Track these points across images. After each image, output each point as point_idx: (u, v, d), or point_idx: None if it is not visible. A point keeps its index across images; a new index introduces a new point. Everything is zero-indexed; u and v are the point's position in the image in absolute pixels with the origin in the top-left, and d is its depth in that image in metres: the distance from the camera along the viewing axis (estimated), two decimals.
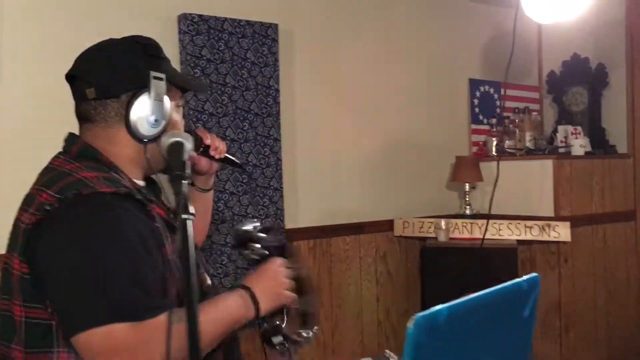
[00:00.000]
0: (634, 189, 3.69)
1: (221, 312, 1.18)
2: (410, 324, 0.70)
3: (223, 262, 2.72)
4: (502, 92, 3.84)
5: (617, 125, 3.72)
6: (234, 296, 1.23)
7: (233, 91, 2.76)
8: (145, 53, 1.24)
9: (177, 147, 1.05)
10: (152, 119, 1.18)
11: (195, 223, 1.62)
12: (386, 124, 3.41)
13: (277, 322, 1.30)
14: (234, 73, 2.76)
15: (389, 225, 3.39)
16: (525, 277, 0.96)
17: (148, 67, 1.19)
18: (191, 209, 0.96)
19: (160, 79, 1.18)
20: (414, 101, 3.51)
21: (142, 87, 1.18)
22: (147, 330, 1.04)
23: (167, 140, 1.09)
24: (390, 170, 3.42)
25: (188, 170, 1.00)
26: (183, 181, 0.97)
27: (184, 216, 0.93)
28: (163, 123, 1.20)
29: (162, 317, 1.03)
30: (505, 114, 3.81)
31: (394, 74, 3.43)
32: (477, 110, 3.77)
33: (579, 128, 3.59)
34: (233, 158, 1.50)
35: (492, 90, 3.84)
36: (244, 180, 2.80)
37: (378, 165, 3.38)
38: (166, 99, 1.20)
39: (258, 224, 1.42)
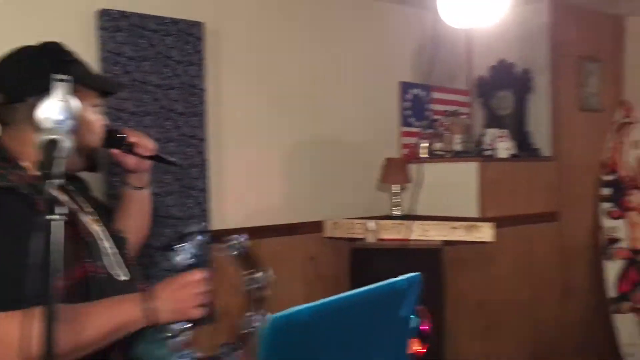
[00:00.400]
0: (557, 191, 3.80)
1: (108, 314, 1.20)
2: (264, 325, 0.69)
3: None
4: (433, 96, 3.91)
5: (541, 128, 3.83)
6: (131, 301, 1.25)
7: (156, 90, 2.71)
8: (52, 57, 1.32)
9: (50, 145, 1.02)
10: (57, 120, 1.17)
11: (131, 221, 1.60)
12: (316, 125, 3.41)
13: (179, 332, 1.26)
14: (157, 71, 2.70)
15: (318, 226, 3.39)
16: (405, 276, 0.97)
17: (53, 70, 1.21)
18: (61, 210, 0.93)
19: (64, 80, 1.17)
20: (345, 103, 3.53)
21: (47, 90, 1.19)
22: (4, 322, 1.07)
23: (41, 138, 1.06)
24: (320, 172, 3.43)
25: (58, 169, 0.98)
26: (50, 180, 0.94)
27: (48, 217, 0.91)
28: (69, 123, 1.19)
29: (21, 312, 1.03)
30: (435, 117, 3.88)
31: (325, 75, 3.44)
32: (407, 113, 3.82)
33: (506, 131, 3.68)
34: (164, 156, 1.56)
35: (422, 94, 3.90)
36: (167, 181, 2.75)
37: (308, 166, 3.38)
38: (74, 99, 1.19)
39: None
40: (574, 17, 3.95)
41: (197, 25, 2.83)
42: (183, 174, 2.78)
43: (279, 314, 0.71)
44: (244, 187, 3.13)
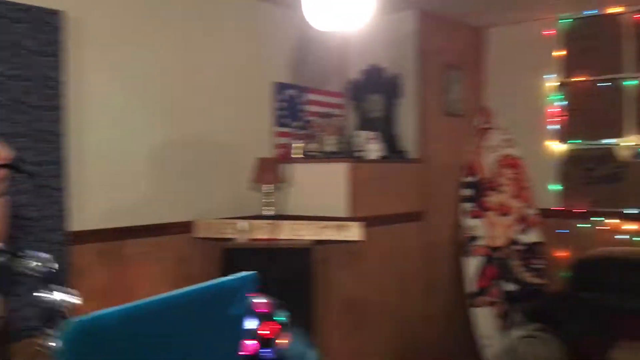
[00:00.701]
0: (423, 191, 3.98)
1: None
2: (63, 330, 0.65)
3: None
4: (308, 97, 3.96)
5: (409, 132, 4.00)
6: None
7: (7, 81, 2.52)
8: None
9: None
10: None
11: None
12: (187, 124, 3.33)
13: None
14: (6, 61, 2.51)
15: (189, 226, 3.31)
16: (238, 275, 0.95)
17: None
18: None
19: None
20: (217, 101, 3.47)
21: None
22: None
23: None
24: (191, 171, 3.35)
25: None
26: None
27: None
28: None
29: None
30: (309, 118, 3.92)
31: (196, 73, 3.36)
32: (282, 113, 3.83)
33: (376, 134, 3.80)
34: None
35: (297, 95, 3.93)
36: (19, 179, 2.56)
37: (179, 165, 3.30)
38: None
39: None
40: (440, 26, 4.16)
41: (54, 13, 2.66)
42: (37, 172, 2.60)
43: (82, 317, 0.67)
44: (109, 186, 2.98)
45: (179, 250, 3.29)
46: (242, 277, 0.95)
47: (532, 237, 4.19)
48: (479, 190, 4.24)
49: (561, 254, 4.16)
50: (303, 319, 3.34)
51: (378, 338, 3.68)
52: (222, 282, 0.92)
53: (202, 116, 3.40)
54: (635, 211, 3.89)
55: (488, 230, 4.18)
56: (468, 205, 4.23)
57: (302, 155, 3.70)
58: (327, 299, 3.39)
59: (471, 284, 4.13)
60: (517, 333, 3.49)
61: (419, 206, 3.97)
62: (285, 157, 3.72)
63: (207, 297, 0.90)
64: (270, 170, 3.50)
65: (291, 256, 3.25)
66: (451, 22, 4.24)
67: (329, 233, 3.35)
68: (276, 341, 1.16)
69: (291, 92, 3.90)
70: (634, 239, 3.89)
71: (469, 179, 4.26)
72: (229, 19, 3.54)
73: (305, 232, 3.35)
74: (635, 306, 3.51)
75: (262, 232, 3.32)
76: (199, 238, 3.35)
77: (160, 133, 3.21)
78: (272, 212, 3.50)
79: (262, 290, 1.04)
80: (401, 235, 3.84)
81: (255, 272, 1.02)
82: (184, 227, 3.29)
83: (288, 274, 3.17)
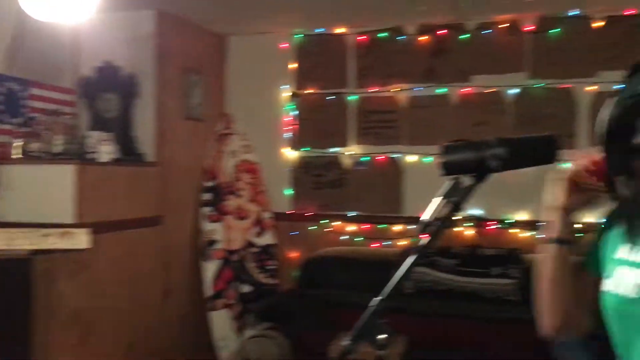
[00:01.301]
0: (160, 196, 3.90)
1: None
2: None
3: None
4: (31, 92, 3.60)
5: (147, 134, 3.88)
6: None
7: None
8: None
9: None
10: None
11: None
12: None
13: None
14: None
15: None
16: None
17: None
18: None
19: None
20: None
21: None
22: None
23: None
24: None
25: None
26: None
27: None
28: None
29: None
30: (33, 115, 3.57)
31: None
32: None
33: (110, 135, 3.61)
34: None
35: (18, 88, 3.55)
36: None
37: None
38: None
39: None
40: (181, 30, 4.13)
41: None
42: None
43: None
44: None
45: None
46: None
47: (267, 239, 4.38)
48: (219, 194, 4.30)
49: (293, 254, 4.43)
50: (20, 337, 3.03)
51: (109, 348, 3.49)
52: None
53: None
54: (354, 214, 4.30)
55: (226, 233, 4.26)
56: (207, 210, 4.26)
57: (22, 156, 3.35)
58: (50, 313, 3.12)
59: (209, 287, 4.16)
60: (248, 333, 3.61)
61: (156, 211, 3.87)
62: (4, 157, 3.34)
63: None
64: None
65: (6, 269, 2.92)
66: (192, 26, 4.23)
67: (52, 241, 3.09)
68: None
69: (11, 84, 3.51)
70: (355, 239, 4.30)
71: (209, 183, 4.29)
72: None
73: (23, 241, 3.04)
74: (356, 301, 3.87)
75: None
76: None
77: None
78: None
79: None
80: (136, 241, 3.70)
81: None
82: None
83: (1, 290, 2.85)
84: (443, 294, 3.68)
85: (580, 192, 1.25)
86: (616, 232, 1.25)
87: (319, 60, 4.38)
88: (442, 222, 1.13)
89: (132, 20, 3.84)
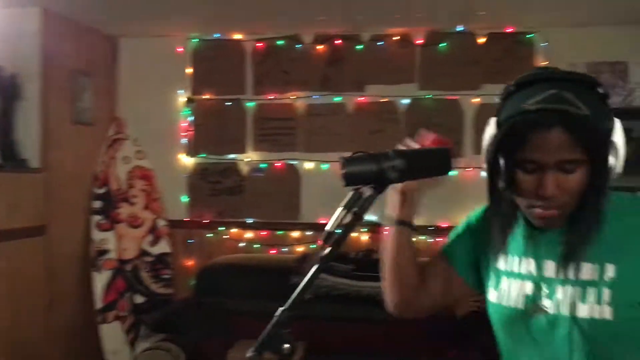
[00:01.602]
0: (45, 204, 3.68)
1: None
2: None
3: None
4: None
5: (30, 138, 3.66)
6: None
7: None
8: None
9: None
10: None
11: None
12: None
13: None
14: None
15: None
16: None
17: None
18: None
19: None
20: None
21: None
22: None
23: None
24: None
25: None
26: None
27: None
28: None
29: None
30: None
31: None
32: None
33: None
34: None
35: None
36: None
37: None
38: None
39: None
40: (68, 30, 3.94)
41: None
42: None
43: None
44: None
45: None
46: None
47: (162, 247, 4.26)
48: (110, 202, 4.13)
49: (189, 263, 4.34)
50: None
51: None
52: None
53: None
54: (252, 220, 4.29)
55: (118, 242, 4.10)
56: (98, 218, 4.07)
57: None
58: None
59: (99, 299, 3.98)
60: (142, 346, 3.49)
61: (40, 220, 3.65)
62: None
63: None
64: None
65: None
66: (81, 27, 4.04)
67: None
68: None
69: None
70: (253, 246, 4.28)
71: (100, 190, 4.12)
72: None
73: None
74: (251, 308, 3.86)
75: None
76: None
77: None
78: None
79: None
80: (17, 252, 3.46)
81: None
82: None
83: None
84: (340, 298, 3.75)
85: None
86: (491, 241, 1.31)
87: (216, 65, 4.33)
88: (344, 232, 1.16)
89: (14, 18, 3.61)
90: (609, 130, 1.14)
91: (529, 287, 1.24)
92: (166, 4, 3.66)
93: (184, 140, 4.37)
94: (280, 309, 1.13)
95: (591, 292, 1.15)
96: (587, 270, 1.16)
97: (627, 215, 1.19)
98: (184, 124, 4.38)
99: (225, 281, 3.96)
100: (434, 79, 4.12)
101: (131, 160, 4.27)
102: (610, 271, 1.15)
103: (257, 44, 4.28)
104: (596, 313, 1.13)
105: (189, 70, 4.36)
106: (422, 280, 1.41)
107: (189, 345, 3.45)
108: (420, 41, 4.12)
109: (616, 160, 1.15)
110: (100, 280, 4.00)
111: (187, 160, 4.37)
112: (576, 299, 1.16)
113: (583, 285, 1.16)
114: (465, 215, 1.45)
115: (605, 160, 1.13)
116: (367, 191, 1.19)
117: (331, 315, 3.73)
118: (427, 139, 1.30)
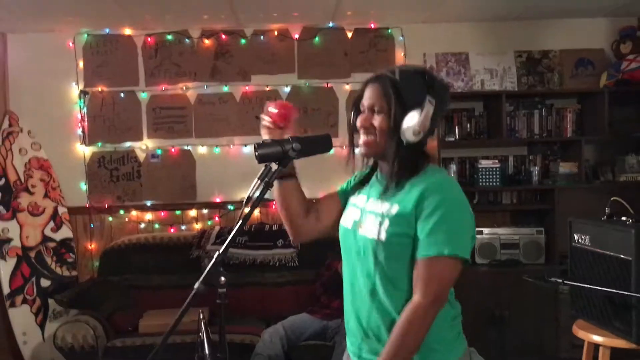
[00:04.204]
0: None
1: None
2: None
3: None
4: None
5: None
6: None
7: None
8: None
9: None
10: None
11: None
12: None
13: None
14: None
15: None
16: None
17: None
18: None
19: None
20: None
21: None
22: None
23: None
24: None
25: None
26: None
27: None
28: None
29: None
30: None
31: None
32: None
33: None
34: None
35: None
36: None
37: None
38: None
39: None
40: None
41: None
42: None
43: None
44: None
45: None
46: None
47: (64, 233, 4.49)
48: (9, 192, 4.29)
49: (92, 246, 4.60)
50: None
51: None
52: None
53: None
54: (150, 203, 4.63)
55: (21, 230, 4.28)
56: None
57: None
58: None
59: (6, 286, 4.15)
60: (56, 323, 3.75)
61: None
62: None
63: None
64: None
65: None
66: None
67: None
68: None
69: None
70: (154, 226, 4.63)
71: None
72: None
73: None
74: (155, 282, 4.23)
75: None
76: None
77: None
78: None
79: None
80: None
81: None
82: None
83: None
84: (236, 266, 4.20)
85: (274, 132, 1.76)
86: (359, 185, 1.86)
87: (107, 59, 4.58)
88: (259, 196, 1.66)
89: None
90: (413, 99, 1.62)
91: (357, 214, 1.76)
92: (50, 3, 3.84)
93: (80, 131, 4.59)
94: (218, 251, 1.61)
95: (381, 221, 1.65)
96: (384, 206, 1.68)
97: (427, 183, 1.65)
98: (78, 116, 4.59)
99: (129, 259, 4.29)
100: (310, 69, 4.66)
101: (27, 152, 4.44)
102: (394, 210, 1.65)
103: (147, 39, 4.59)
104: (381, 236, 1.63)
105: (82, 64, 4.57)
106: (310, 211, 1.88)
107: (102, 318, 3.79)
108: (297, 36, 4.64)
109: (416, 123, 1.61)
110: (5, 267, 4.17)
111: (83, 150, 4.60)
112: (373, 225, 1.67)
113: (380, 216, 1.66)
114: (339, 185, 1.97)
115: (396, 114, 1.62)
116: (274, 166, 1.69)
117: (230, 282, 4.17)
118: (277, 106, 1.78)
